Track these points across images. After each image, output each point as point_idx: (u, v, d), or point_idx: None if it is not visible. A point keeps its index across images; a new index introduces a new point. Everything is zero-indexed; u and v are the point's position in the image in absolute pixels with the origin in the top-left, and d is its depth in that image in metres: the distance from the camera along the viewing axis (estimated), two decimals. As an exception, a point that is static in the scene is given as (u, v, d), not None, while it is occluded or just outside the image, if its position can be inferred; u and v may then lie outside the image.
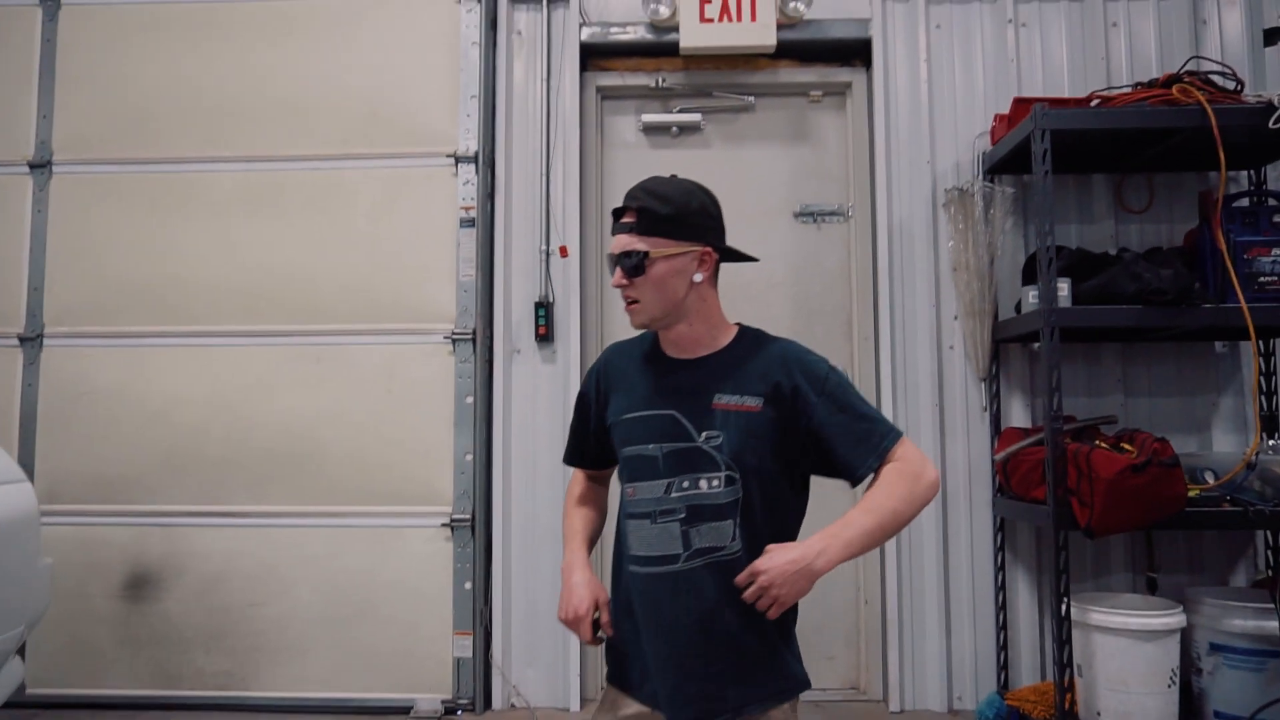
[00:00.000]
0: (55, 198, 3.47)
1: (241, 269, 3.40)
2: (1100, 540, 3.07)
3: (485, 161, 3.37)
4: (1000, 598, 3.20)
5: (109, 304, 3.43)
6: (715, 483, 1.46)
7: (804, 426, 1.46)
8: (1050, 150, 2.80)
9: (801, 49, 3.49)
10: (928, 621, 3.23)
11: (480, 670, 3.20)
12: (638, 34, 3.46)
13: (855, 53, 3.52)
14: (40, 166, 3.47)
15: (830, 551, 1.36)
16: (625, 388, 1.59)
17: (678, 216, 1.48)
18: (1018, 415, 3.28)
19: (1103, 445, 2.74)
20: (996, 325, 3.24)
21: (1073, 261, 2.98)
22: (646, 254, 1.47)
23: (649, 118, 3.56)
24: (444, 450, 3.29)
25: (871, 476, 1.47)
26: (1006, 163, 3.17)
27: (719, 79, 3.53)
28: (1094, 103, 3.02)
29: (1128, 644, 2.68)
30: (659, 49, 3.49)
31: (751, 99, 3.56)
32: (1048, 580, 3.17)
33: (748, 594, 1.38)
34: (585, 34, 3.46)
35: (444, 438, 3.29)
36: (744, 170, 3.56)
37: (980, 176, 3.29)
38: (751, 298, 3.48)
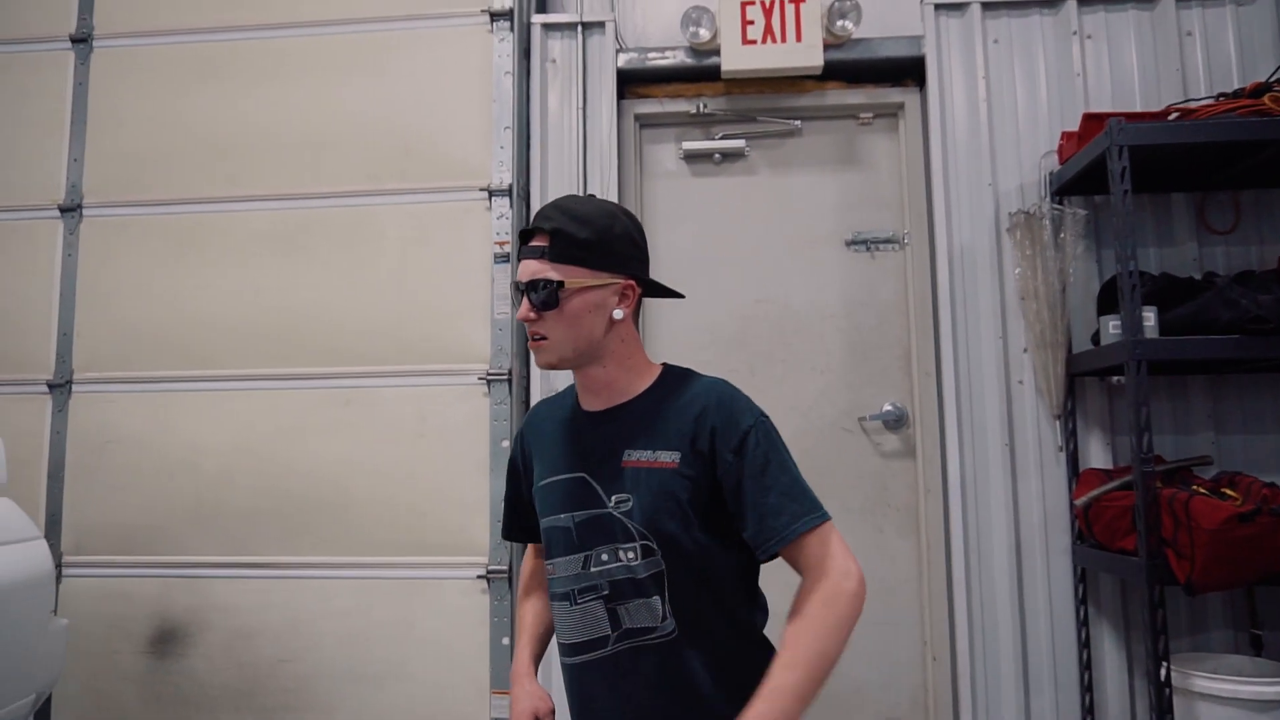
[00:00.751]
0: (85, 241, 3.40)
1: (268, 310, 3.28)
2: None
3: (520, 194, 3.23)
4: (1084, 655, 2.93)
5: (134, 349, 3.33)
6: (631, 554, 1.29)
7: (721, 483, 1.28)
8: (1129, 168, 2.57)
9: (850, 69, 3.32)
10: (1003, 680, 2.95)
11: (518, 734, 2.99)
12: (677, 59, 3.31)
13: (907, 72, 3.33)
14: (71, 210, 3.41)
15: None
16: (543, 450, 1.43)
17: (597, 243, 1.31)
18: (1097, 455, 3.01)
19: (1201, 490, 2.47)
20: (1071, 358, 2.99)
21: (1157, 288, 2.73)
22: (560, 284, 1.30)
23: (690, 145, 3.40)
24: (479, 496, 3.11)
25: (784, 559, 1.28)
26: (1077, 183, 2.94)
27: (763, 103, 3.36)
28: (1171, 116, 2.78)
29: (1237, 715, 2.39)
30: (699, 74, 3.33)
31: (798, 123, 3.38)
32: (1138, 637, 2.88)
33: None
34: (622, 60, 3.33)
35: (479, 483, 3.12)
36: (791, 197, 3.37)
37: (1048, 198, 3.07)
38: (801, 331, 3.28)
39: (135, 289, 3.36)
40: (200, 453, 3.25)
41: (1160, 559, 2.43)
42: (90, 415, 3.32)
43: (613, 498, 1.30)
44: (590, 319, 1.31)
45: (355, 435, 3.18)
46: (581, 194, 1.26)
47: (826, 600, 1.21)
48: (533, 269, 1.32)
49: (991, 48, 3.23)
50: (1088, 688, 2.91)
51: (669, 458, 1.28)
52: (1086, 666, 2.92)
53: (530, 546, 1.58)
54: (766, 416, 1.33)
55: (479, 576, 3.07)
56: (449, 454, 3.14)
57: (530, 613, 1.51)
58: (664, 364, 1.42)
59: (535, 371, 3.19)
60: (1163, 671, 2.42)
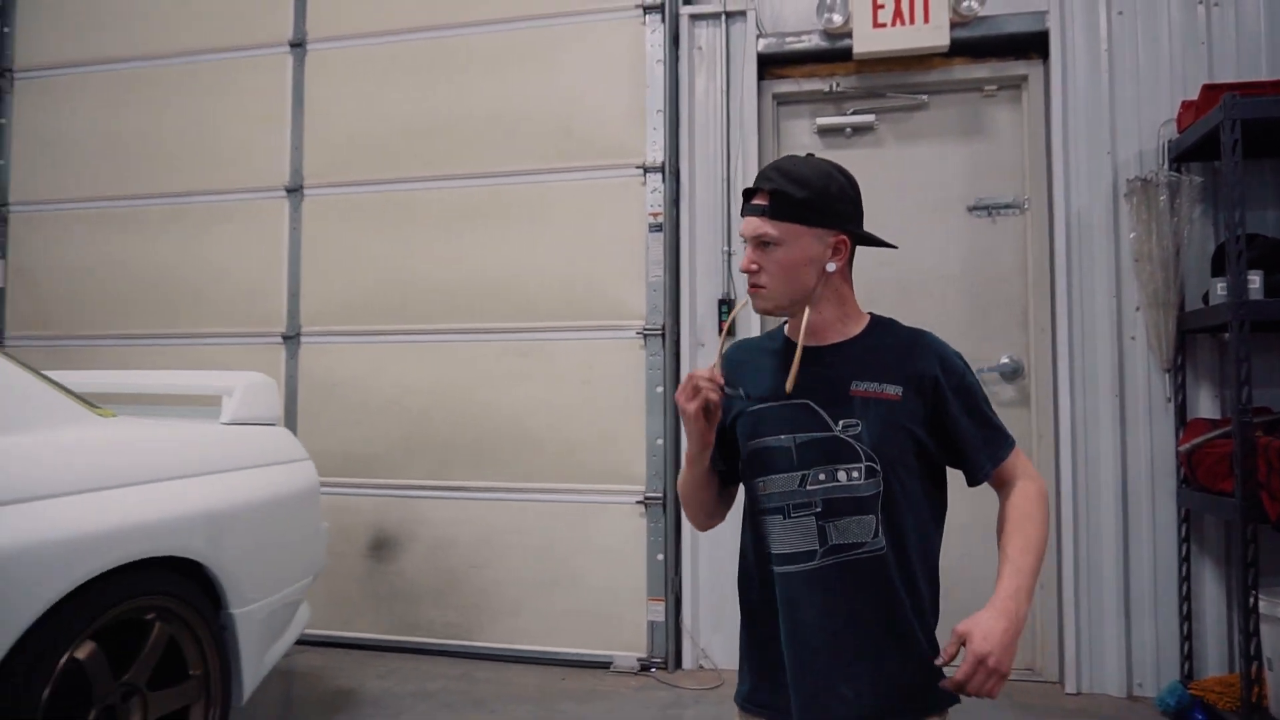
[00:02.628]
0: (307, 217, 4.07)
1: (459, 274, 3.87)
2: (1295, 534, 3.02)
3: (671, 170, 3.66)
4: (1185, 588, 3.21)
5: (351, 306, 3.99)
6: (855, 474, 1.38)
7: (939, 419, 1.42)
8: (1240, 140, 2.77)
9: (975, 45, 3.56)
10: (1106, 608, 3.28)
11: (672, 633, 3.55)
12: (812, 42, 3.64)
13: (1031, 45, 3.54)
14: (294, 191, 4.07)
15: (1023, 601, 1.31)
16: (752, 381, 1.50)
17: (814, 201, 1.39)
18: (1206, 407, 3.25)
19: (1296, 439, 2.71)
20: (1182, 316, 3.22)
21: (1266, 251, 2.93)
22: (778, 240, 1.40)
23: (823, 120, 3.74)
24: (637, 435, 3.64)
25: (989, 480, 1.45)
26: (1194, 151, 3.13)
27: (892, 80, 3.66)
28: (1293, 86, 2.93)
29: (1321, 639, 2.67)
30: (833, 55, 3.65)
31: (925, 97, 3.66)
32: (1236, 573, 3.13)
33: (974, 685, 1.25)
34: (762, 45, 3.68)
35: (637, 424, 3.64)
36: (917, 166, 3.67)
37: (1166, 165, 3.26)
38: (926, 291, 3.61)
39: (348, 256, 4.01)
40: (406, 394, 3.90)
41: (1255, 500, 2.70)
42: (317, 362, 4.02)
43: (840, 422, 1.39)
44: (806, 270, 1.41)
45: (533, 381, 3.75)
46: (802, 156, 1.45)
47: (1040, 498, 1.42)
48: (754, 225, 1.41)
49: (1116, 19, 3.41)
50: (1186, 617, 3.20)
51: (893, 390, 1.39)
52: (1186, 598, 3.20)
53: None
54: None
55: (637, 502, 3.61)
56: (611, 398, 3.67)
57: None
58: (870, 313, 1.52)
59: (685, 327, 3.65)
60: (1251, 600, 2.71)
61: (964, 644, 1.28)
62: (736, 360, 1.55)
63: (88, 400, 2.24)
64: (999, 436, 1.45)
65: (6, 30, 4.49)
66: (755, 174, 3.55)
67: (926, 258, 3.63)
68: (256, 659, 2.52)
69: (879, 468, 1.38)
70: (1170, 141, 3.27)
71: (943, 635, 1.37)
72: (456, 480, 3.82)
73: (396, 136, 3.98)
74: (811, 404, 1.41)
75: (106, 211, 4.31)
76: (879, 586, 1.37)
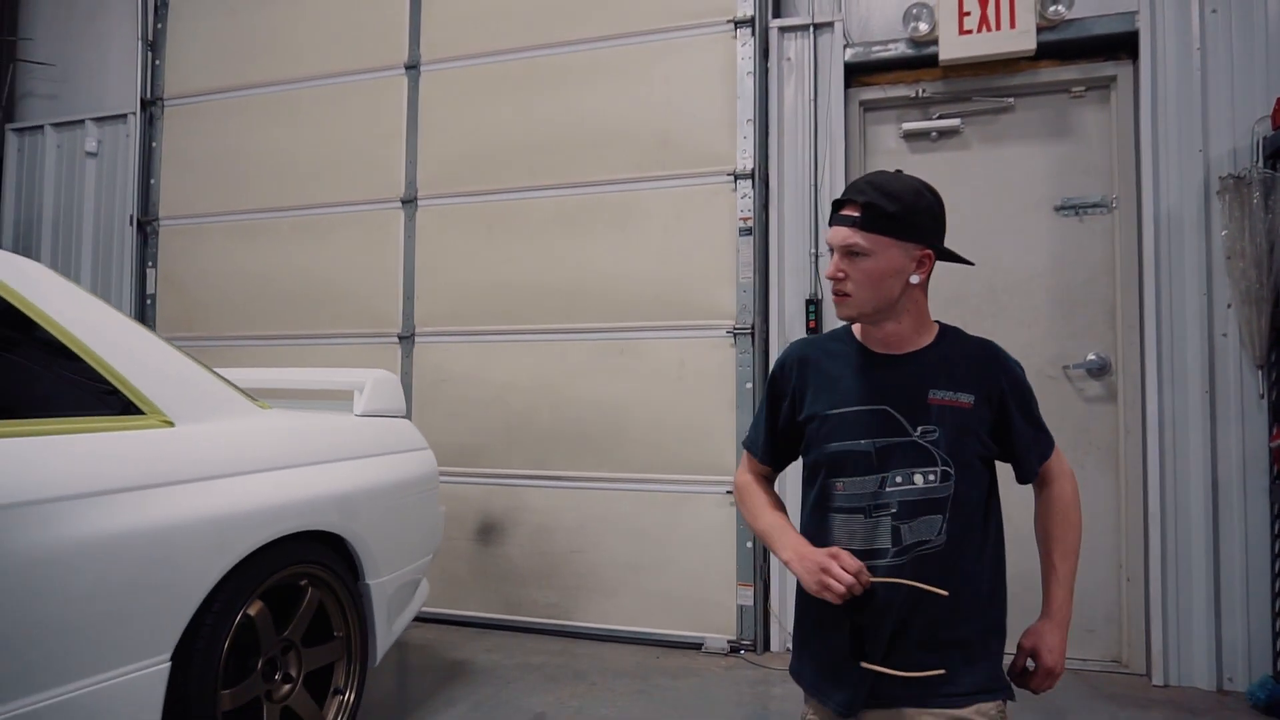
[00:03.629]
0: (420, 226, 4.40)
1: (559, 277, 4.14)
2: (1394, 532, 3.00)
3: (760, 177, 3.84)
4: (1277, 584, 3.21)
5: (460, 308, 4.31)
6: (931, 477, 1.46)
7: (1003, 425, 1.52)
8: (1335, 138, 2.79)
9: (1062, 48, 3.61)
10: (1195, 602, 3.30)
11: (760, 617, 3.73)
12: (898, 50, 3.76)
13: (1120, 46, 3.58)
14: (409, 202, 4.42)
15: (1068, 610, 1.51)
16: (827, 384, 1.56)
17: (903, 216, 1.46)
18: (1300, 403, 3.25)
19: (1390, 436, 2.72)
20: (1276, 313, 3.22)
21: (1362, 249, 2.92)
22: (867, 251, 1.47)
23: (909, 125, 3.85)
24: (727, 429, 3.83)
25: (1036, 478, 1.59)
26: (1289, 148, 3.14)
27: (978, 84, 3.75)
28: (1392, 81, 2.92)
29: None
30: (918, 61, 3.76)
31: (1010, 100, 3.74)
32: (1332, 570, 3.14)
33: (1034, 683, 1.51)
34: (849, 55, 3.82)
35: (726, 419, 3.83)
36: (1003, 168, 3.75)
37: (1260, 162, 3.27)
38: (1011, 290, 3.69)
39: (458, 262, 4.32)
40: (510, 390, 4.19)
41: (1346, 496, 2.72)
42: (429, 360, 4.35)
43: (918, 429, 1.47)
44: (891, 282, 1.47)
45: (628, 377, 3.99)
46: (891, 171, 1.53)
47: (1075, 498, 1.57)
48: (844, 235, 1.47)
49: (1209, 17, 3.42)
50: (1278, 613, 3.20)
51: (966, 399, 1.48)
52: (1278, 594, 3.21)
53: (748, 464, 1.73)
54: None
55: (727, 492, 3.80)
56: (703, 394, 3.87)
57: (781, 516, 1.63)
58: (937, 321, 1.58)
59: (774, 326, 3.83)
60: (1342, 594, 2.73)
61: (1031, 657, 1.52)
62: (808, 357, 1.61)
63: (249, 394, 2.57)
64: (1045, 438, 1.58)
65: (158, 63, 4.99)
66: (842, 179, 3.77)
67: (1014, 258, 3.71)
68: (387, 626, 2.82)
69: (953, 471, 1.46)
70: (1265, 139, 3.27)
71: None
72: (556, 470, 4.09)
73: (502, 149, 4.27)
74: (891, 410, 1.49)
75: (243, 223, 4.75)
76: (944, 579, 1.44)
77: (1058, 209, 3.69)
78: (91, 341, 2.08)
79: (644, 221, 4.02)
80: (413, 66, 4.44)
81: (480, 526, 4.21)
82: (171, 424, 2.16)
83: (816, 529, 1.54)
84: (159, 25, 5.03)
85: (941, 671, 1.44)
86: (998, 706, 1.47)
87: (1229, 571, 3.29)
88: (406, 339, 4.39)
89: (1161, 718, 3.03)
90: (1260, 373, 3.28)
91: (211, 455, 2.21)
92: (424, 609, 3.85)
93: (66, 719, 1.74)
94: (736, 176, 3.85)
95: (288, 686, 2.42)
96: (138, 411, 2.12)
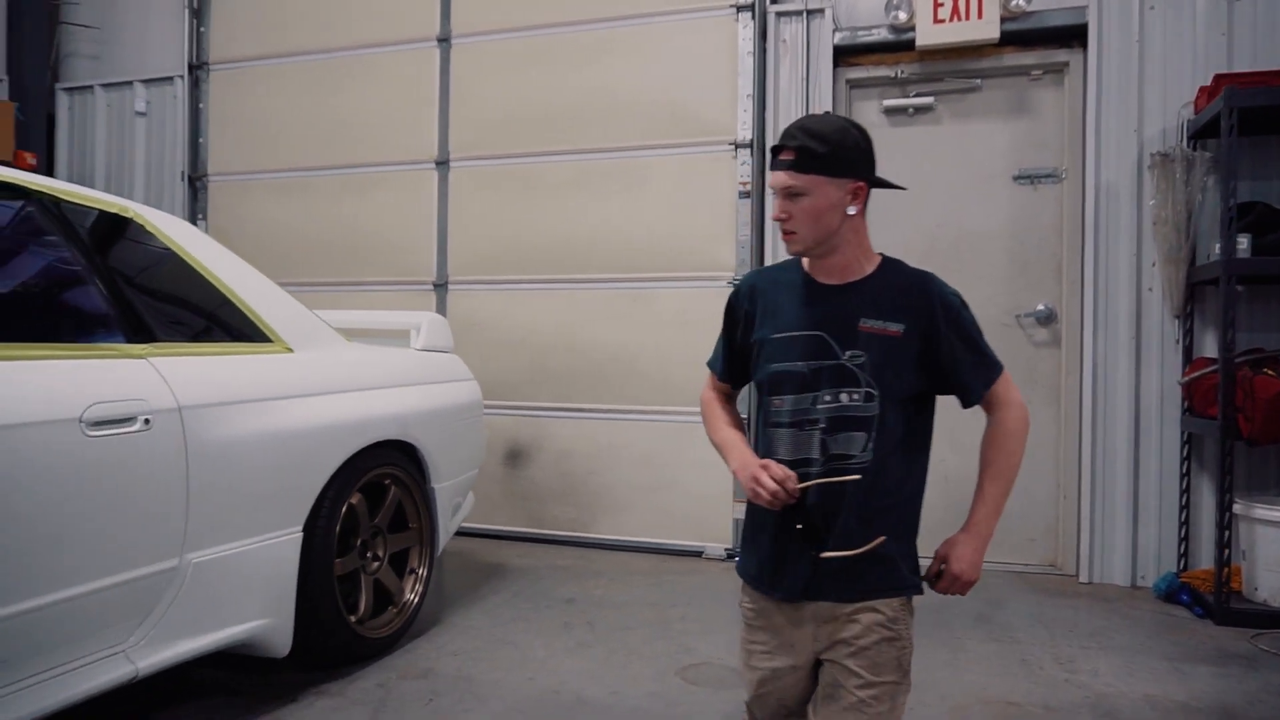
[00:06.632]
0: (453, 186, 4.91)
1: (576, 233, 4.67)
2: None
3: (759, 146, 4.36)
4: (1185, 499, 3.85)
5: (488, 259, 4.84)
6: (856, 396, 1.57)
7: (934, 352, 1.60)
8: (1238, 124, 3.36)
9: (1023, 36, 4.13)
10: (1117, 514, 3.94)
11: (752, 528, 4.35)
12: (880, 35, 4.27)
13: (1073, 36, 4.10)
14: (442, 163, 4.92)
15: (989, 527, 1.61)
16: (772, 310, 1.67)
17: (832, 154, 1.55)
18: (1210, 348, 3.84)
19: (1269, 373, 3.33)
20: (1192, 271, 3.81)
21: (1260, 217, 3.51)
22: (804, 190, 1.56)
23: (889, 102, 4.38)
24: (725, 367, 4.39)
25: (979, 404, 1.65)
26: (1206, 130, 3.69)
27: (949, 67, 4.27)
28: (1293, 76, 3.47)
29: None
30: (898, 46, 4.27)
31: (978, 81, 4.27)
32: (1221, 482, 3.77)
33: (940, 586, 1.60)
34: (837, 38, 4.32)
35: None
36: (970, 141, 4.30)
37: (1183, 142, 3.83)
38: (973, 248, 4.27)
39: (486, 218, 4.85)
40: (533, 332, 4.74)
41: (1232, 421, 3.34)
42: (461, 306, 4.90)
43: (847, 352, 1.59)
44: (829, 216, 1.57)
45: (638, 323, 4.55)
46: (820, 114, 1.73)
47: (1018, 427, 1.64)
48: (781, 179, 1.58)
49: (1148, 13, 3.95)
50: (1184, 522, 3.85)
51: (895, 327, 1.59)
52: (1185, 506, 3.85)
53: (711, 382, 1.92)
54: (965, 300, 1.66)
55: (725, 422, 4.39)
56: (704, 338, 4.36)
57: (735, 432, 1.79)
58: (881, 253, 1.69)
59: (766, 278, 4.38)
60: (1225, 500, 3.37)
61: (944, 563, 1.61)
62: (758, 286, 1.73)
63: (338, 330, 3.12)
64: (989, 363, 1.65)
65: (203, 30, 5.42)
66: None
67: (976, 220, 4.27)
68: (446, 522, 3.42)
69: (876, 393, 1.57)
70: (1188, 121, 3.83)
71: (924, 546, 1.66)
72: (575, 403, 4.67)
73: (526, 117, 4.77)
74: (825, 335, 1.61)
75: (287, 180, 5.24)
76: (864, 490, 1.56)
77: (1015, 178, 4.25)
78: (234, 284, 2.63)
79: (653, 184, 4.55)
80: (444, 39, 4.91)
81: (508, 452, 4.80)
82: (292, 351, 2.72)
83: (762, 441, 1.68)
84: (203, -6, 5.45)
85: (882, 539, 1.56)
86: (903, 601, 1.63)
87: (1146, 488, 3.93)
88: (440, 287, 4.93)
89: (1082, 604, 3.68)
90: (1177, 322, 3.88)
91: (323, 376, 2.77)
92: (462, 524, 4.48)
93: (249, 561, 2.34)
94: (737, 146, 4.38)
95: (376, 564, 3.02)
96: (266, 340, 2.67)
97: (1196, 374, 3.63)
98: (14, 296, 2.12)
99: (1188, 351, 3.86)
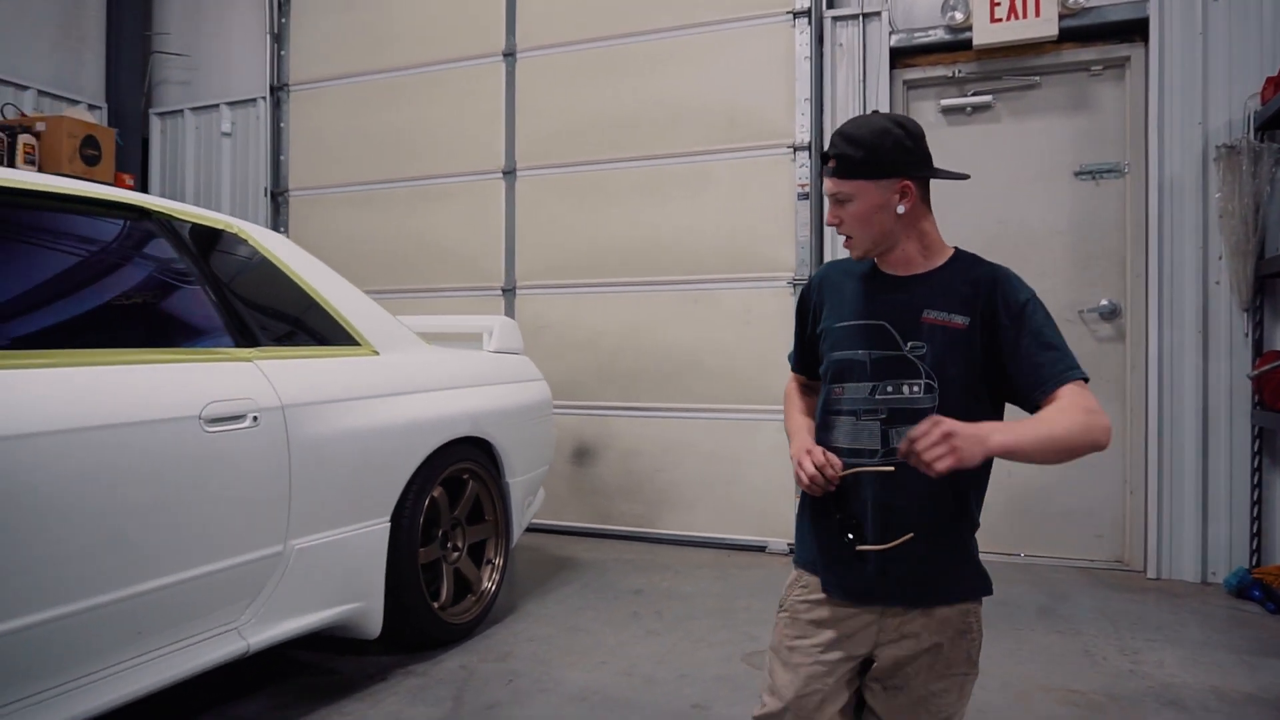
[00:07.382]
0: (519, 194, 5.10)
1: (640, 236, 4.81)
2: (1353, 447, 3.58)
3: (816, 149, 4.45)
4: (1256, 494, 3.81)
5: (554, 264, 5.02)
6: (916, 388, 1.56)
7: (996, 346, 1.55)
8: (1306, 115, 3.33)
9: (1082, 32, 4.14)
10: (1186, 510, 3.91)
11: (815, 524, 4.43)
12: (937, 36, 4.32)
13: (1133, 30, 4.09)
14: (509, 173, 5.11)
15: (1003, 434, 1.38)
16: (839, 300, 1.68)
17: (871, 158, 1.56)
18: (1281, 340, 3.81)
19: (1342, 364, 3.29)
20: (1260, 263, 3.77)
21: (1330, 208, 3.46)
22: (849, 195, 1.59)
23: (947, 102, 4.42)
24: (786, 366, 4.47)
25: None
26: (1275, 120, 3.66)
27: (1007, 65, 4.29)
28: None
29: (1358, 526, 3.27)
30: (955, 45, 4.32)
31: (1037, 78, 4.28)
32: (1299, 479, 3.73)
33: (920, 443, 1.35)
34: (893, 40, 4.38)
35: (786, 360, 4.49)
36: (1030, 138, 4.31)
37: (1250, 134, 3.79)
38: (1035, 244, 4.28)
39: (552, 224, 5.02)
40: (600, 334, 4.90)
41: (1304, 414, 3.31)
42: (529, 309, 5.08)
43: (909, 344, 1.58)
44: (879, 217, 1.59)
45: (702, 323, 4.67)
46: (867, 114, 1.68)
47: (1085, 411, 1.44)
48: (830, 186, 1.62)
49: (1211, 6, 3.92)
50: (1256, 517, 3.80)
51: (960, 320, 1.56)
52: (1257, 501, 3.81)
53: (795, 382, 1.91)
54: (1039, 298, 1.58)
55: (787, 419, 4.48)
56: (766, 337, 4.54)
57: (804, 419, 1.79)
58: (955, 247, 1.67)
59: (826, 278, 4.46)
60: (1297, 494, 3.34)
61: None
62: (829, 277, 1.75)
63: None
64: (1062, 362, 1.51)
65: (283, 54, 5.73)
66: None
67: (1038, 217, 4.29)
68: (519, 516, 3.59)
69: (936, 385, 1.55)
70: (1255, 113, 3.79)
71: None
72: (641, 402, 4.81)
73: (590, 126, 4.94)
74: (887, 325, 1.61)
75: (363, 193, 5.51)
76: (926, 484, 1.46)
77: (1076, 174, 4.25)
78: (324, 291, 2.84)
79: (714, 188, 4.67)
80: (509, 54, 5.11)
81: (576, 450, 4.97)
82: (377, 353, 2.92)
83: (823, 429, 1.67)
84: (283, 20, 5.76)
85: (910, 535, 1.53)
86: (974, 607, 1.61)
87: (1215, 483, 3.89)
88: (509, 291, 5.13)
89: (1149, 599, 3.68)
90: (1246, 315, 3.84)
91: (406, 377, 2.96)
92: (532, 519, 4.66)
93: (344, 548, 2.55)
94: (795, 148, 4.47)
95: (456, 554, 3.20)
96: (354, 343, 2.87)
97: (1267, 367, 3.59)
98: (139, 306, 2.35)
99: (1257, 345, 3.82)
